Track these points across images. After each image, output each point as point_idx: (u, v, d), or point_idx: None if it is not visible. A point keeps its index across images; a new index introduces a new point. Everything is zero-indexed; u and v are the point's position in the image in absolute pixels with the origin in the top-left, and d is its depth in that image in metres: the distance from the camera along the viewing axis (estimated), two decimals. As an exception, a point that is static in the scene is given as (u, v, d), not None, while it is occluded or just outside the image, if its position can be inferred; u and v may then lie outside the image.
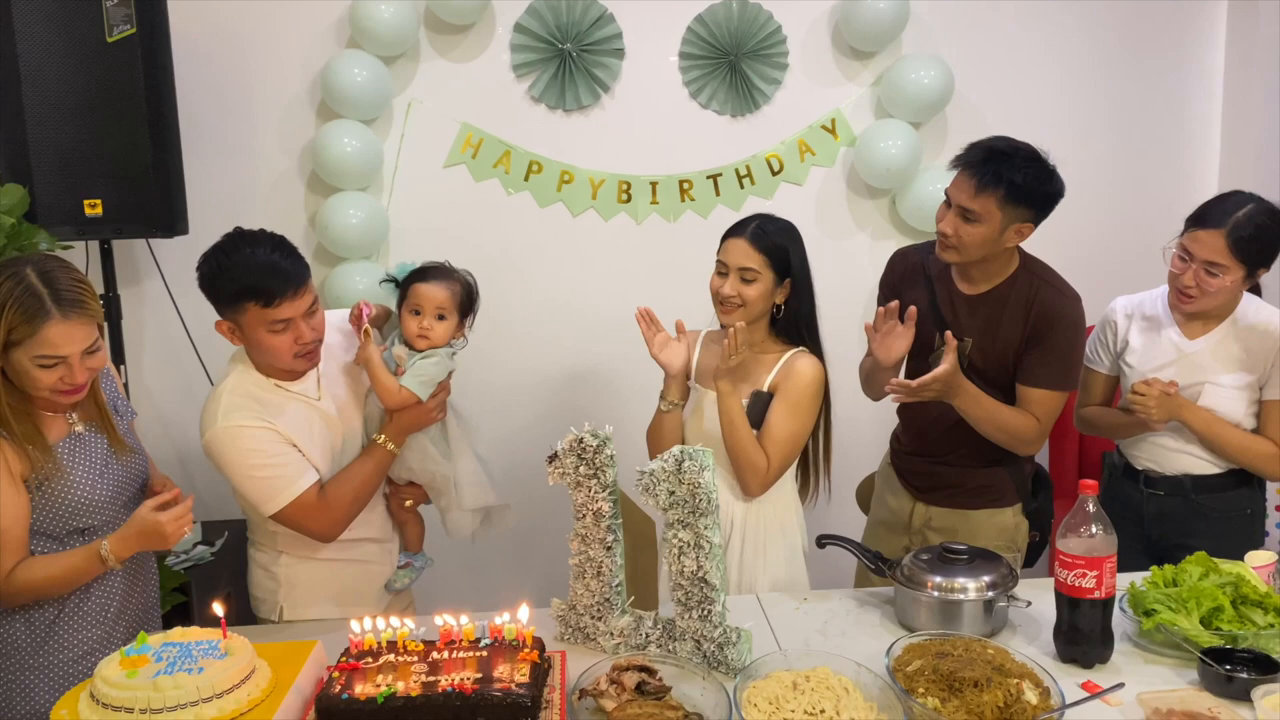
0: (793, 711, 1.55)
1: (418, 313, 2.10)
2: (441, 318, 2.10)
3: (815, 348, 2.27)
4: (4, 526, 1.71)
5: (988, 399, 2.24)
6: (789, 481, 2.30)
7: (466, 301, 2.16)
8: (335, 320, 2.18)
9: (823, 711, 1.54)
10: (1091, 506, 1.72)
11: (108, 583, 1.88)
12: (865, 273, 3.50)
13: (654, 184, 3.41)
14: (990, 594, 1.87)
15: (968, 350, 2.28)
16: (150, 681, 1.45)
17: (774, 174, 3.45)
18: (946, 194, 2.20)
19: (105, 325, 1.87)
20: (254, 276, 1.88)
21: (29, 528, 1.77)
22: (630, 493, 1.85)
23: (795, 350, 2.25)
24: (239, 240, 1.94)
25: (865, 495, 2.76)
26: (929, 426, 2.40)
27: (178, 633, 1.61)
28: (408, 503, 2.23)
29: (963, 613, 1.87)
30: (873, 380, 2.46)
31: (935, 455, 2.42)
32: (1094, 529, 1.71)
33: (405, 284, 2.14)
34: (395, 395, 2.05)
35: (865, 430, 3.38)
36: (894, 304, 2.25)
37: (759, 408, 2.20)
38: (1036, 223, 2.19)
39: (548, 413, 3.46)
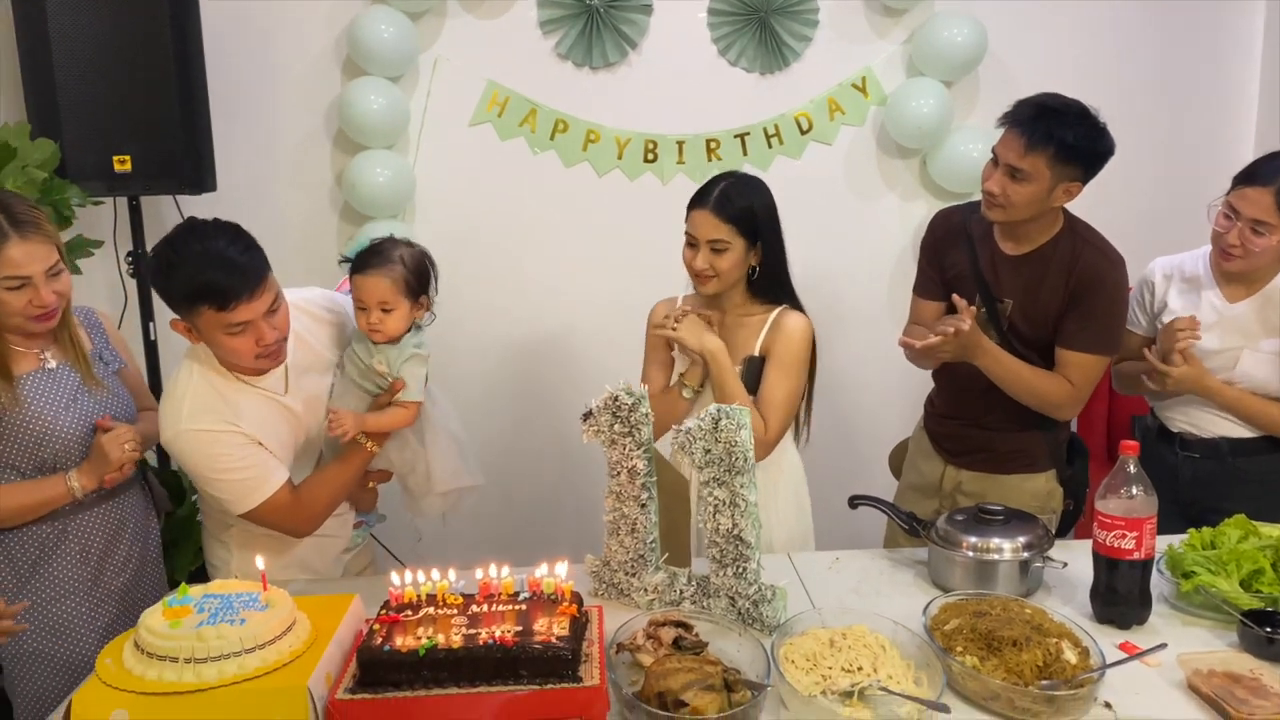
0: (830, 668, 1.55)
1: (363, 308, 1.97)
2: (387, 310, 1.96)
3: (795, 303, 2.23)
4: None
5: (1012, 360, 2.21)
6: (789, 442, 2.28)
7: (415, 283, 1.99)
8: (307, 302, 2.06)
9: (860, 668, 1.54)
10: (1132, 467, 1.71)
11: (84, 524, 1.94)
12: (894, 234, 3.48)
13: (680, 143, 3.37)
14: (1026, 555, 1.86)
15: (1008, 311, 2.26)
16: (194, 632, 1.46)
17: (803, 133, 3.40)
18: (994, 152, 2.16)
19: (65, 253, 1.90)
20: (206, 278, 1.73)
21: None
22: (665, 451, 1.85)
23: (779, 309, 2.21)
24: (189, 235, 1.78)
25: (898, 461, 2.74)
26: (963, 389, 2.37)
27: (218, 585, 1.63)
28: (370, 484, 2.17)
29: (998, 573, 1.86)
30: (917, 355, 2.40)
31: (968, 418, 2.40)
32: (1134, 490, 1.70)
33: (350, 272, 1.99)
34: (406, 416, 2.01)
35: (895, 397, 3.39)
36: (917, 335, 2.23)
37: (753, 372, 2.17)
38: (1085, 181, 2.14)
39: (577, 371, 3.46)
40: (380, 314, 1.95)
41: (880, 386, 3.51)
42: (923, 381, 2.61)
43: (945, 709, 1.41)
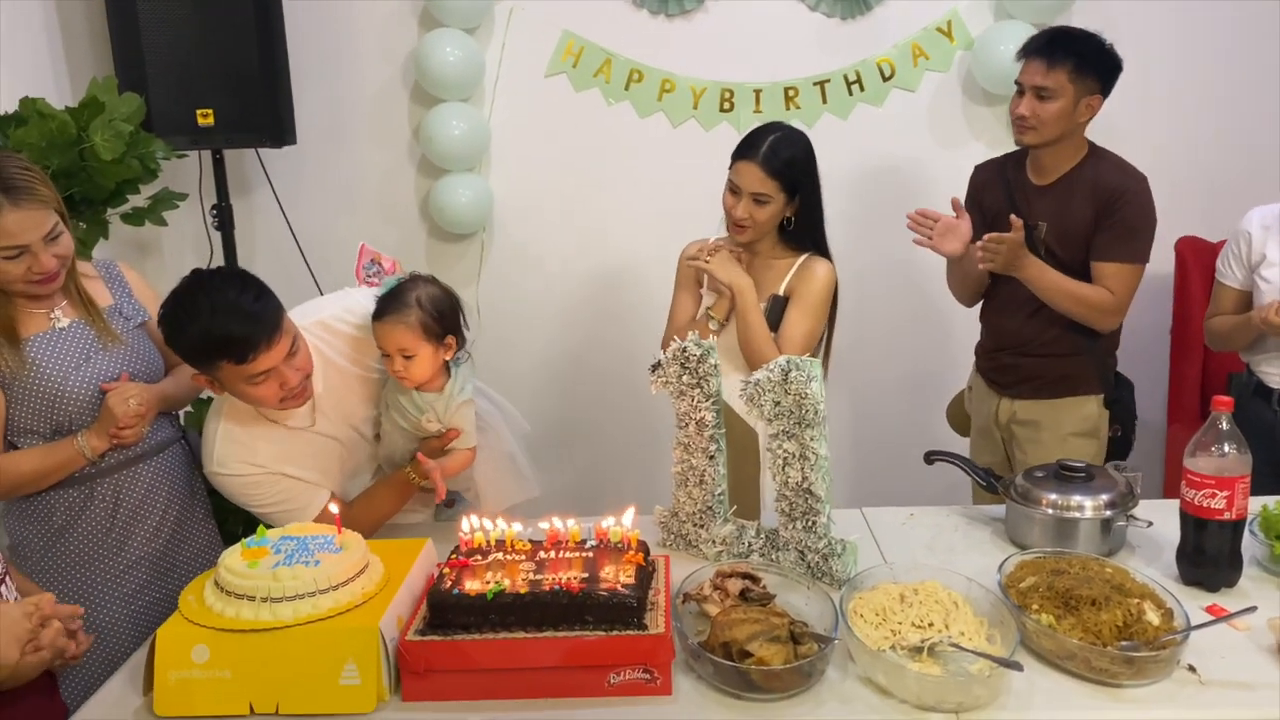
0: (900, 623, 1.52)
1: (387, 355, 1.87)
2: (409, 356, 1.84)
3: (824, 251, 2.30)
4: None
5: (1054, 271, 2.33)
6: None
7: (436, 325, 1.86)
8: (322, 325, 1.93)
9: (931, 624, 1.51)
10: (1225, 424, 1.63)
11: (111, 488, 1.89)
12: (979, 184, 3.37)
13: (758, 92, 3.30)
14: (1108, 513, 1.80)
15: (1043, 235, 2.38)
16: (270, 572, 1.50)
17: (885, 80, 3.30)
18: (1018, 83, 2.34)
19: (65, 212, 1.82)
20: (220, 332, 1.66)
21: (4, 424, 1.80)
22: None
23: (806, 255, 2.27)
24: (196, 289, 1.70)
25: (955, 413, 2.84)
26: (1008, 321, 2.49)
27: (295, 528, 1.67)
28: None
29: (1078, 531, 1.80)
30: (963, 283, 2.60)
31: (1015, 347, 2.49)
32: (1226, 448, 1.62)
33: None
34: (465, 460, 1.95)
35: (958, 353, 3.30)
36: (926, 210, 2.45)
37: (777, 311, 2.23)
38: (1104, 95, 2.32)
39: (655, 323, 3.43)
40: (403, 361, 1.85)
41: (962, 338, 3.41)
42: (970, 338, 2.64)
43: (1018, 666, 1.37)
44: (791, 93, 3.31)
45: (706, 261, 2.22)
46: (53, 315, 1.86)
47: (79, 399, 1.84)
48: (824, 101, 3.31)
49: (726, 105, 3.32)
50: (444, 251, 3.42)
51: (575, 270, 3.45)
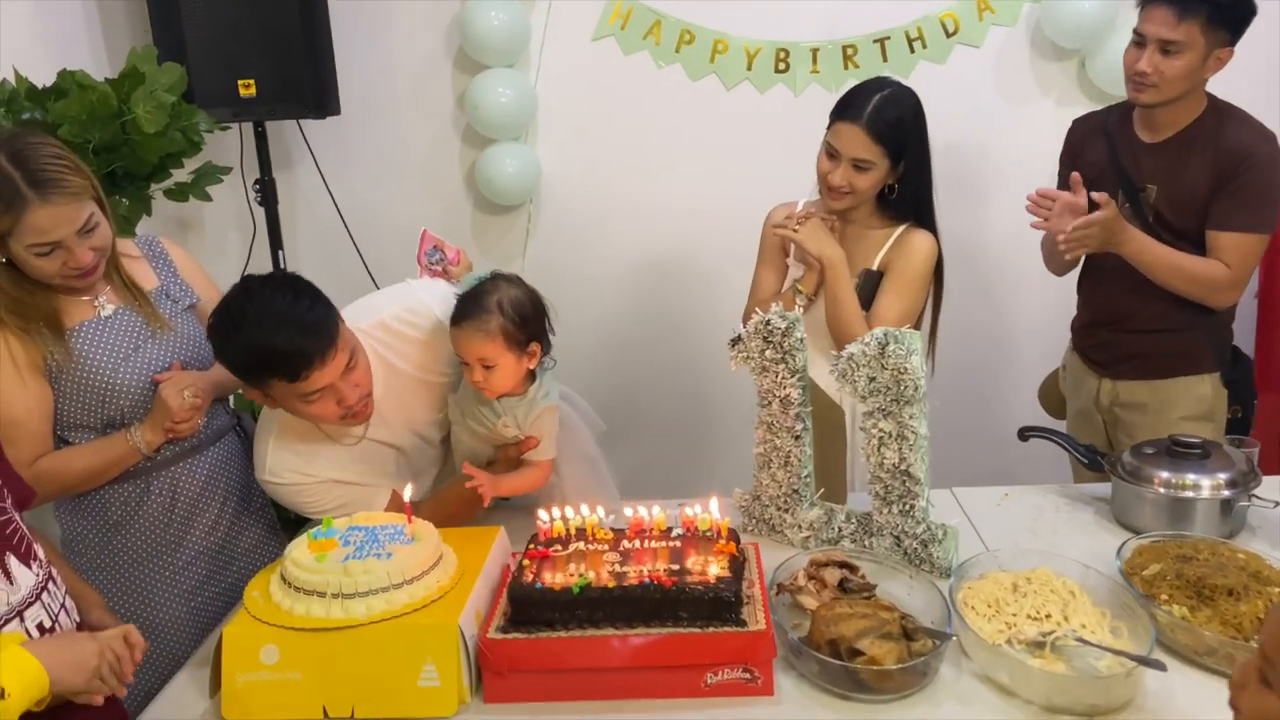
0: (1014, 615, 1.41)
1: (466, 364, 1.72)
2: (489, 366, 1.69)
3: (928, 221, 2.07)
4: (17, 418, 1.65)
5: (1158, 244, 2.11)
6: None
7: (519, 333, 1.70)
8: (382, 326, 1.79)
9: (1048, 616, 1.41)
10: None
11: (166, 482, 1.80)
12: (1049, 143, 3.15)
13: (814, 51, 3.15)
14: (1229, 493, 1.67)
15: (1153, 199, 2.16)
16: (340, 566, 1.41)
17: (948, 36, 3.13)
18: (1138, 33, 2.08)
19: (102, 198, 1.67)
20: (270, 347, 1.53)
21: (52, 420, 1.70)
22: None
23: (905, 225, 2.06)
24: (244, 298, 1.58)
25: (1048, 393, 2.63)
26: (1109, 292, 2.26)
27: (363, 517, 1.58)
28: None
29: (1195, 512, 1.68)
30: (1054, 255, 2.36)
31: (1118, 323, 2.27)
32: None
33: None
34: (541, 475, 1.82)
35: (1053, 318, 3.16)
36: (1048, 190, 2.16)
37: (869, 286, 2.04)
38: (1234, 45, 2.05)
39: (707, 293, 3.31)
40: (483, 371, 1.69)
41: (1035, 308, 3.27)
42: (1073, 294, 2.45)
43: (1160, 666, 1.26)
44: (850, 51, 3.15)
45: (795, 230, 2.02)
46: (96, 303, 1.74)
47: (131, 391, 1.73)
48: (884, 60, 3.15)
49: (782, 66, 3.17)
50: (489, 225, 3.31)
51: (626, 243, 3.32)
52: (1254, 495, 1.68)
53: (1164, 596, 1.41)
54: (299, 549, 1.47)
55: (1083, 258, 2.29)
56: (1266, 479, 1.71)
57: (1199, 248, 2.12)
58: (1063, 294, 2.60)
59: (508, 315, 1.68)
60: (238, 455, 1.95)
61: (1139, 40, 2.07)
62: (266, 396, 1.62)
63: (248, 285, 1.60)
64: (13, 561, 1.28)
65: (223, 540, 1.91)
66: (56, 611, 1.33)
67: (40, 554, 1.34)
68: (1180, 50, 2.01)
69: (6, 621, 1.25)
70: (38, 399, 1.67)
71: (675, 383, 3.39)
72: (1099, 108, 2.95)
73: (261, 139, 2.86)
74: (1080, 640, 1.35)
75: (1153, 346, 2.23)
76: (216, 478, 1.88)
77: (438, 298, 1.81)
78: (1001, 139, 3.20)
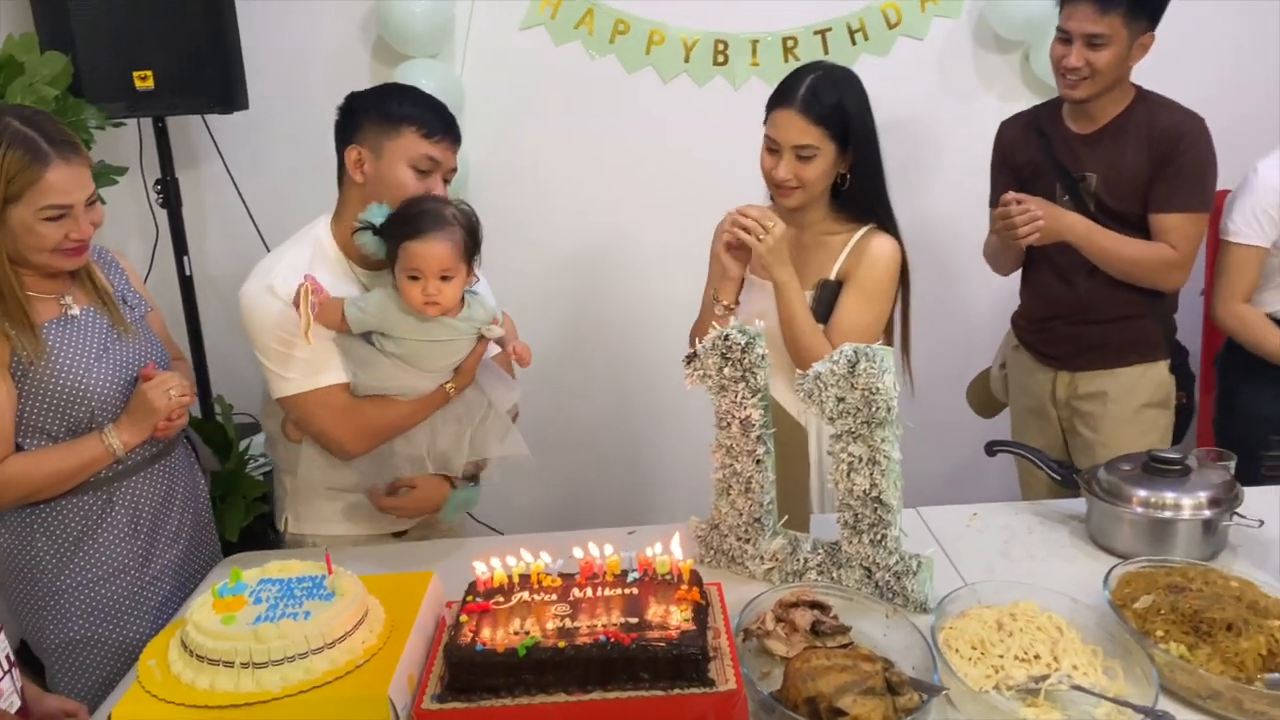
0: (1001, 657, 1.30)
1: (416, 277, 1.68)
2: (447, 278, 1.69)
3: (888, 222, 1.91)
4: None
5: (1104, 231, 2.15)
6: None
7: (471, 244, 1.73)
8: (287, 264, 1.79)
9: (1037, 656, 1.29)
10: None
11: (131, 491, 1.72)
12: (992, 138, 3.13)
13: (754, 42, 3.03)
14: (1210, 512, 1.58)
15: (1093, 187, 2.19)
16: (250, 630, 1.23)
17: (890, 27, 3.04)
18: (1062, 30, 2.13)
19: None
20: (420, 105, 1.76)
21: (15, 421, 1.60)
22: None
23: (866, 229, 1.90)
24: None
25: (977, 394, 2.65)
26: (1061, 286, 2.28)
27: (276, 567, 1.40)
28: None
29: (1176, 533, 1.59)
30: (1000, 256, 2.40)
31: (1073, 315, 2.28)
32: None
33: (392, 238, 1.71)
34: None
35: (996, 319, 3.09)
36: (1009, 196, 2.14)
37: (827, 299, 1.88)
38: (1153, 29, 2.12)
39: (644, 295, 3.17)
40: (438, 283, 1.68)
41: (976, 309, 3.20)
42: (1006, 308, 2.42)
43: (1169, 718, 1.15)
44: (790, 43, 3.04)
45: (761, 238, 1.79)
46: (63, 301, 1.67)
47: (103, 393, 1.65)
48: (825, 52, 3.04)
49: (720, 58, 3.04)
50: (416, 225, 3.12)
51: (560, 243, 3.17)
52: (1236, 514, 1.59)
53: (1160, 633, 1.31)
54: (202, 610, 1.29)
55: (1025, 253, 2.33)
56: (1246, 493, 1.63)
57: (1142, 232, 2.16)
58: (1003, 290, 2.54)
59: (464, 226, 1.71)
60: (190, 465, 1.88)
61: (1064, 37, 2.12)
62: (372, 158, 1.76)
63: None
64: None
65: (184, 554, 1.83)
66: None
67: None
68: (1106, 42, 2.07)
69: None
70: (5, 397, 1.58)
71: (615, 390, 3.24)
72: (1039, 101, 2.90)
73: (162, 135, 2.63)
74: (1076, 687, 1.24)
75: (1111, 335, 2.26)
76: (175, 486, 1.80)
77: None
78: (945, 132, 3.11)
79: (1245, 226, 2.22)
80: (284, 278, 1.71)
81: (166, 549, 1.78)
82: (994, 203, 2.34)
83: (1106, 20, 2.06)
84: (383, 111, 1.77)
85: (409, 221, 1.69)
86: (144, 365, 1.72)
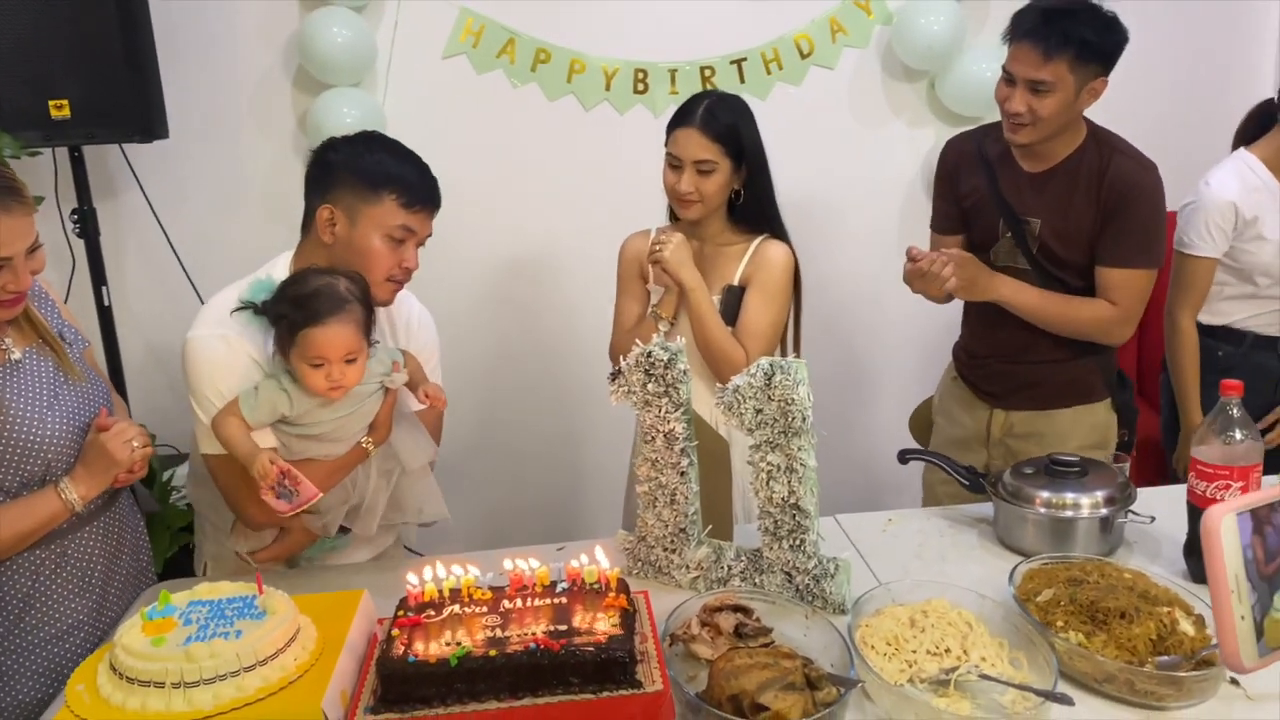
0: (914, 652, 1.36)
1: (319, 365, 1.58)
2: (351, 360, 1.60)
3: (780, 231, 2.12)
4: None
5: (1035, 290, 2.08)
6: None
7: (369, 316, 1.64)
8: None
9: (948, 650, 1.36)
10: (1235, 410, 1.52)
11: (84, 543, 1.62)
12: (902, 163, 3.27)
13: (673, 71, 3.12)
14: (1107, 510, 1.68)
15: (1037, 231, 2.10)
16: (181, 650, 1.23)
17: (803, 57, 3.16)
18: (1007, 71, 2.00)
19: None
20: (404, 167, 1.70)
21: None
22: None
23: (761, 238, 2.11)
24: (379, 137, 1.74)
25: (919, 422, 2.58)
26: (1001, 323, 2.17)
27: (205, 589, 1.40)
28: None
29: (1076, 531, 1.68)
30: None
31: (1011, 354, 2.21)
32: (1238, 435, 1.52)
33: (283, 321, 1.59)
34: (387, 414, 1.71)
35: (914, 336, 3.21)
36: (915, 252, 2.05)
37: (733, 303, 2.07)
38: (1106, 76, 1.99)
39: (574, 323, 3.21)
40: (343, 366, 1.58)
41: (892, 328, 3.32)
42: (936, 317, 2.44)
43: (1068, 700, 1.23)
44: (708, 72, 3.14)
45: (659, 249, 2.00)
46: (3, 345, 1.54)
47: (58, 444, 1.54)
48: (742, 81, 3.15)
49: (640, 86, 3.12)
50: (340, 252, 3.12)
51: (486, 267, 3.20)
52: (1130, 511, 1.69)
53: (1060, 623, 1.39)
54: (131, 633, 1.28)
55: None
56: (1140, 493, 1.73)
57: (1086, 279, 2.09)
58: (916, 316, 2.61)
59: (360, 299, 1.62)
60: (133, 509, 1.79)
61: (1009, 78, 2.00)
62: (344, 220, 1.67)
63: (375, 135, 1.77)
64: None
65: (121, 602, 1.71)
66: None
67: None
68: (1050, 89, 1.94)
69: None
70: None
71: (541, 408, 3.27)
72: (950, 129, 3.03)
73: (79, 165, 2.59)
74: (984, 676, 1.31)
75: (1047, 375, 2.18)
76: (124, 535, 1.72)
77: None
78: (856, 158, 3.24)
79: (1199, 239, 2.31)
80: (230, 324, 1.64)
81: (117, 600, 1.69)
82: (935, 224, 2.32)
83: (1050, 67, 1.92)
84: (362, 172, 1.68)
85: (303, 305, 1.57)
86: (93, 410, 1.61)
